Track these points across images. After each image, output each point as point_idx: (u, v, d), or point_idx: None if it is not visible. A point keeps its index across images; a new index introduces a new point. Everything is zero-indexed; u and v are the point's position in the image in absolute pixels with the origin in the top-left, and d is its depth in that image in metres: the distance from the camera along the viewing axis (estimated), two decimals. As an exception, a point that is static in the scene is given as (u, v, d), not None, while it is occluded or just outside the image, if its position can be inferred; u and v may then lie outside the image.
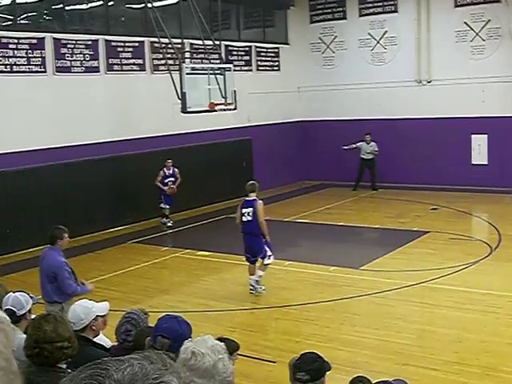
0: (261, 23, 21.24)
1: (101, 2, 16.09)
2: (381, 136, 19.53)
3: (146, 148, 16.23)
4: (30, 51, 14.05)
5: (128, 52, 16.25)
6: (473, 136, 19.13)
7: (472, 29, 19.00)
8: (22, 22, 14.45)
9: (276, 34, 21.72)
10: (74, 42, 14.91)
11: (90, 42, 15.28)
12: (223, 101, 14.77)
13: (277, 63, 21.43)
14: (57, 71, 14.59)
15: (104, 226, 15.27)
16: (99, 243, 14.29)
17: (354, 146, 19.71)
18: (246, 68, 19.99)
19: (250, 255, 10.47)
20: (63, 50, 14.71)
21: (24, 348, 3.70)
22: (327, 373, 4.24)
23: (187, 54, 16.15)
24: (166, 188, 15.61)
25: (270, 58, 21.15)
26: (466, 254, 12.26)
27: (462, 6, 19.10)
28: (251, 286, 10.40)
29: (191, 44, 17.12)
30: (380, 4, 20.42)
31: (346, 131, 20.53)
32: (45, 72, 14.36)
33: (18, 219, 13.65)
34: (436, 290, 10.32)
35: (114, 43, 15.88)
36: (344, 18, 21.16)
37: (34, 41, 14.14)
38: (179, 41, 15.06)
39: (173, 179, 15.74)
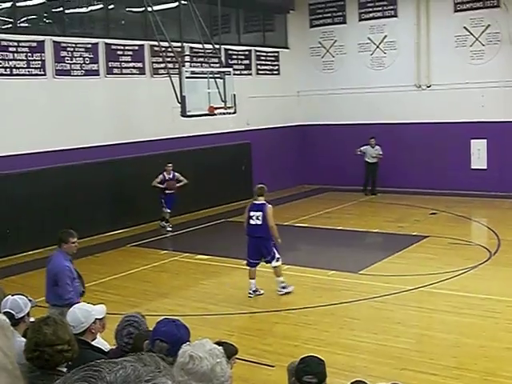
0: (261, 27, 21.27)
1: (101, 6, 16.11)
2: (380, 140, 19.50)
3: (145, 151, 16.22)
4: (29, 54, 14.06)
5: (128, 55, 16.27)
6: (472, 141, 19.14)
7: (471, 34, 19.03)
8: (22, 25, 14.46)
9: (276, 38, 21.75)
10: (73, 45, 14.93)
11: (89, 46, 15.30)
12: (223, 105, 14.79)
13: (276, 67, 21.45)
14: (56, 74, 14.60)
15: (104, 229, 15.27)
16: (99, 246, 14.27)
17: (359, 151, 19.51)
18: (245, 72, 20.01)
19: (256, 258, 10.48)
20: (63, 54, 14.72)
21: (24, 351, 3.70)
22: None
23: (187, 58, 16.17)
24: (164, 186, 15.49)
25: (269, 62, 21.17)
26: (465, 258, 12.26)
27: (461, 10, 19.14)
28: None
29: (191, 48, 17.13)
30: (380, 8, 20.46)
31: (346, 135, 20.55)
32: (45, 75, 14.37)
33: (18, 222, 13.64)
34: (435, 294, 10.31)
35: (113, 47, 15.90)
36: (344, 22, 21.20)
37: (34, 44, 14.16)
38: (179, 44, 15.09)
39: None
